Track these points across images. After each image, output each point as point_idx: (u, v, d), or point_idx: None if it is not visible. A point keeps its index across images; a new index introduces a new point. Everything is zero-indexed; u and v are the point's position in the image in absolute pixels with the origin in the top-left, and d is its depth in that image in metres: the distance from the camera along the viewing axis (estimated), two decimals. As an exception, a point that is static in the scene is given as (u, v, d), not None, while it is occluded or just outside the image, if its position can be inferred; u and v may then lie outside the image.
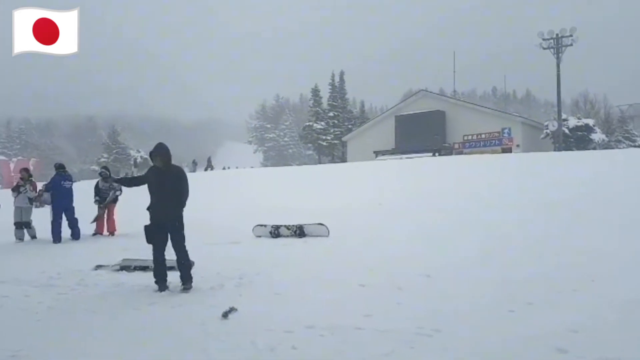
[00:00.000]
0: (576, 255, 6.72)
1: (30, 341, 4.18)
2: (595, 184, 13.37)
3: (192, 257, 6.11)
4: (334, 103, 57.63)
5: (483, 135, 39.51)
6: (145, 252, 6.67)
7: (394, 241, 8.62)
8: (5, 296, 5.77)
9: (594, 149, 35.88)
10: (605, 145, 39.23)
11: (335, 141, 53.46)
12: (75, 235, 10.76)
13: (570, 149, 35.41)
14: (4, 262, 8.44)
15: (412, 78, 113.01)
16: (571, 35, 35.75)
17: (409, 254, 7.48)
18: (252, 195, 17.27)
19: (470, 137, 39.94)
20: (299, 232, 9.72)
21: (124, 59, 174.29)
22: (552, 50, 36.12)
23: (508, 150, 36.81)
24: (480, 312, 4.58)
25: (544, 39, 36.28)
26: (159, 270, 5.96)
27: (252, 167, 49.40)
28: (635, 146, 40.57)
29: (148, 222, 5.97)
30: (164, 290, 5.85)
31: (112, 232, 11.52)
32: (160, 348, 3.96)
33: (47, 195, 10.88)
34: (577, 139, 38.60)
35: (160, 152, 5.96)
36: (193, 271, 6.06)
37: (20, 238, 10.92)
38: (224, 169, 49.29)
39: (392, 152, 40.75)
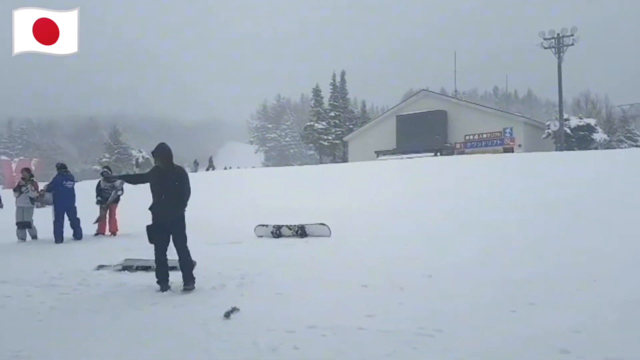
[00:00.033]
0: (576, 255, 6.73)
1: (32, 341, 4.19)
2: (596, 183, 13.34)
3: (193, 257, 6.12)
4: (335, 103, 57.51)
5: (485, 135, 39.34)
6: (147, 252, 6.68)
7: (395, 241, 8.63)
8: (7, 296, 5.78)
9: (596, 148, 35.82)
10: (607, 145, 39.13)
11: (337, 141, 53.37)
12: (78, 235, 10.78)
13: (572, 149, 35.36)
14: (6, 262, 8.46)
15: (412, 78, 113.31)
16: (572, 35, 35.70)
17: (410, 254, 7.50)
18: (253, 195, 17.27)
19: (471, 137, 39.78)
20: (301, 232, 9.73)
21: (124, 59, 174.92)
22: (553, 49, 36.09)
23: (510, 150, 36.68)
24: (481, 312, 4.59)
25: (545, 39, 36.25)
26: (161, 270, 5.98)
27: (253, 167, 49.41)
28: (637, 146, 40.48)
29: (150, 222, 5.99)
30: (165, 290, 5.85)
31: (114, 232, 11.53)
32: (162, 348, 3.98)
33: (48, 196, 10.89)
34: (579, 139, 38.53)
35: (162, 152, 5.97)
36: (195, 271, 6.07)
37: (22, 238, 10.95)
38: (225, 169, 49.26)
39: (393, 152, 40.61)
